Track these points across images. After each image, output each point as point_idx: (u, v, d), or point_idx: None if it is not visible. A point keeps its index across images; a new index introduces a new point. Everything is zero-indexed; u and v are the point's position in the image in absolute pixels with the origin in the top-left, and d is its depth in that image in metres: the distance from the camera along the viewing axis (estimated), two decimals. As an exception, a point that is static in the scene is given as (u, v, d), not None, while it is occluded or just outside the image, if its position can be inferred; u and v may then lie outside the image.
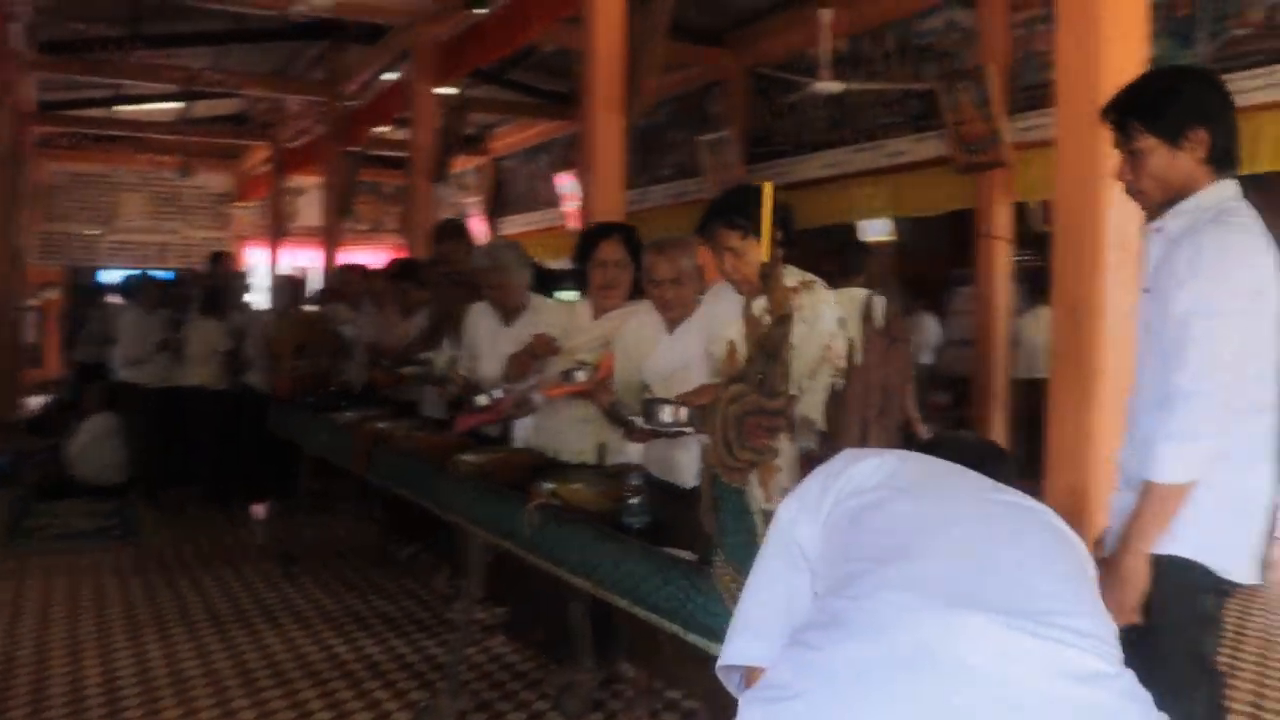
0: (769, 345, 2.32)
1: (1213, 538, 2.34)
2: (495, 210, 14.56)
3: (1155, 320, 2.41)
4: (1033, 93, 7.48)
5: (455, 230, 5.17)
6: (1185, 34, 6.46)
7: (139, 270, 9.50)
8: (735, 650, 1.73)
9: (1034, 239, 9.38)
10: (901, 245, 10.73)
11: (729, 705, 3.01)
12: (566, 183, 12.26)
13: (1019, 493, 1.74)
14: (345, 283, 6.90)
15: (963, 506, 1.61)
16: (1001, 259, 7.52)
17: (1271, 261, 2.34)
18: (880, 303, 2.56)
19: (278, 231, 14.27)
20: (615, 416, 3.40)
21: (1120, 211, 3.88)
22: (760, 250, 2.97)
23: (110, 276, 13.26)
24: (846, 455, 1.80)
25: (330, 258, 11.41)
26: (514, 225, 14.12)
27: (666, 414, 2.91)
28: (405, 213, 9.83)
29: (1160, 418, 2.29)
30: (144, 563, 5.84)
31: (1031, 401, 6.60)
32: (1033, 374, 6.91)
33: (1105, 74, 3.90)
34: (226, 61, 11.56)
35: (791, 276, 3.09)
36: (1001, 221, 7.73)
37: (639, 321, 3.62)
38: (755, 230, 2.95)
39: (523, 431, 4.23)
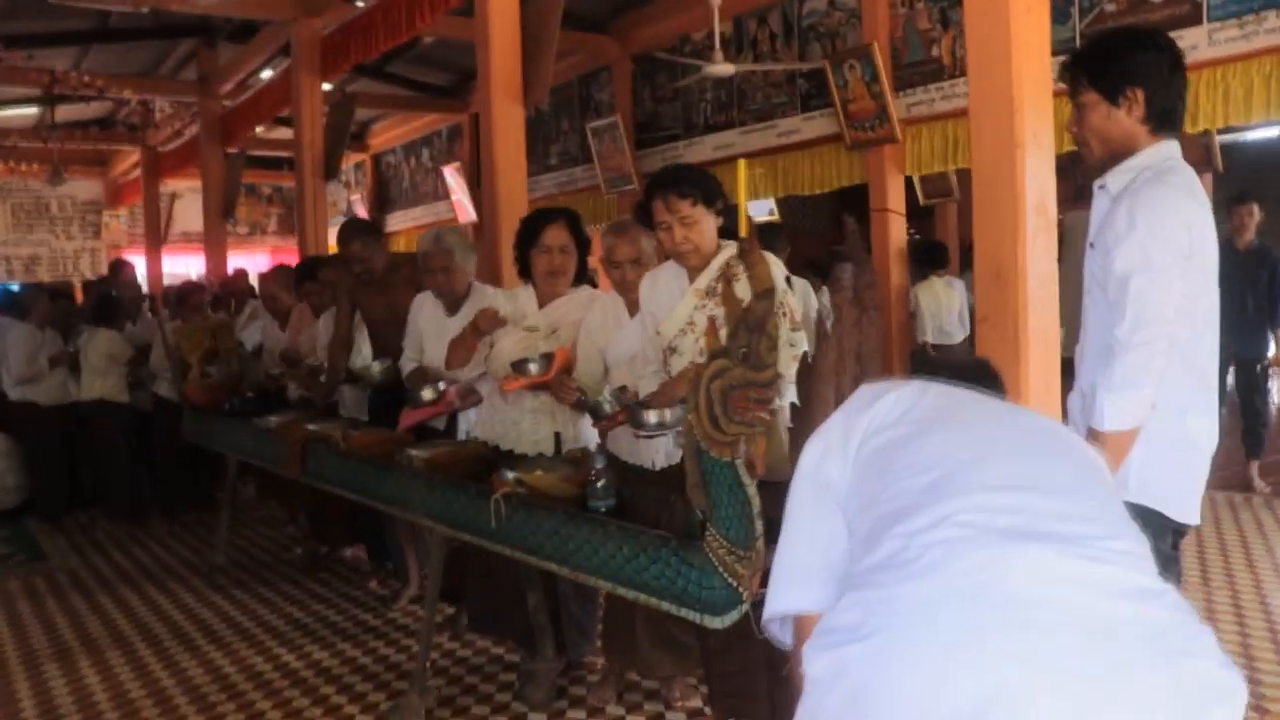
0: (752, 319, 2.35)
1: (1166, 486, 2.48)
2: (379, 207, 14.32)
3: (1099, 273, 2.54)
4: (917, 69, 7.68)
5: (363, 229, 5.02)
6: (1060, 8, 6.72)
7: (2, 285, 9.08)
8: (784, 601, 1.75)
9: (918, 212, 9.67)
10: (784, 225, 10.93)
11: (714, 679, 3.06)
12: (453, 175, 12.14)
13: (1033, 412, 1.80)
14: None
15: (992, 436, 1.65)
16: (896, 232, 7.73)
17: (1206, 221, 2.48)
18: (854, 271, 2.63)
19: (155, 238, 13.76)
20: (582, 405, 3.39)
21: (1037, 178, 4.04)
22: (712, 219, 3.05)
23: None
24: (865, 392, 1.82)
25: (214, 262, 11.06)
26: (399, 221, 13.92)
27: (653, 418, 2.92)
28: (296, 212, 9.59)
29: (1102, 369, 2.42)
30: (59, 586, 5.60)
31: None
32: (939, 340, 7.12)
33: (1016, 46, 4.06)
34: (89, 62, 11.10)
35: (731, 246, 3.16)
36: (894, 196, 7.94)
37: (602, 306, 3.62)
38: (705, 199, 3.04)
39: (468, 425, 4.20)
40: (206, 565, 5.65)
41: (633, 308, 3.50)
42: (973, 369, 1.98)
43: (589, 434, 3.60)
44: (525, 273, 3.87)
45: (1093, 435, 2.43)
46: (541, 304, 3.81)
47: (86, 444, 7.06)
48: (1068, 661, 1.29)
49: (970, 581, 1.37)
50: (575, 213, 3.87)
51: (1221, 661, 1.34)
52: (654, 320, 3.27)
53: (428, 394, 3.94)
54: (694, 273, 3.17)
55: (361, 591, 5.22)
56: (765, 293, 2.33)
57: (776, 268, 3.11)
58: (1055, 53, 4.41)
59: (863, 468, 1.68)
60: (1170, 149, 2.53)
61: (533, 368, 3.49)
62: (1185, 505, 2.51)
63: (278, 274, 6.23)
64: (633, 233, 3.46)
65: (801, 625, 1.72)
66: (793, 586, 1.74)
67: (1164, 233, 2.38)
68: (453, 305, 4.21)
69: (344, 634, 4.61)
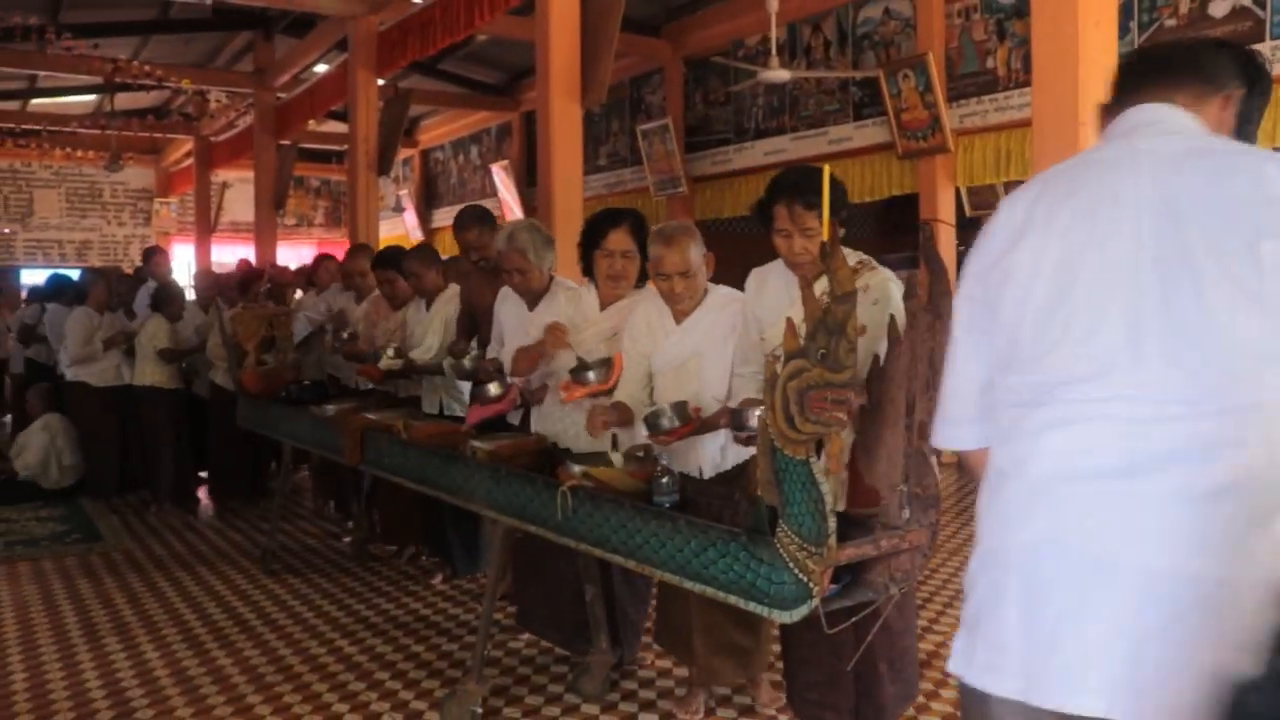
0: (832, 321, 2.39)
1: None
2: (425, 202, 14.45)
3: None
4: (971, 80, 7.69)
5: (480, 216, 4.84)
6: (1120, 23, 6.73)
7: (54, 269, 9.24)
8: (946, 438, 1.80)
9: (963, 224, 9.67)
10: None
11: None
12: (500, 174, 12.24)
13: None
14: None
15: (1129, 317, 1.48)
16: (946, 243, 7.74)
17: None
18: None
19: (205, 227, 13.97)
20: (646, 421, 3.33)
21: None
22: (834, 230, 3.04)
23: (33, 276, 12.90)
24: (999, 231, 1.70)
25: (264, 252, 11.22)
26: (445, 218, 14.03)
27: (754, 420, 2.92)
28: (348, 205, 9.71)
29: None
30: (115, 565, 5.71)
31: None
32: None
33: (1083, 59, 4.08)
34: (147, 53, 11.30)
35: (850, 256, 3.10)
36: (944, 206, 7.95)
37: (646, 310, 3.59)
38: (831, 210, 2.97)
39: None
40: (259, 550, 5.74)
41: (680, 317, 3.49)
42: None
43: (639, 439, 3.54)
44: (588, 271, 3.88)
45: None
46: (603, 305, 3.83)
47: (137, 427, 7.18)
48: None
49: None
50: (640, 215, 3.85)
51: None
52: (758, 324, 3.23)
53: (494, 389, 3.95)
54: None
55: (412, 581, 5.30)
56: (846, 296, 2.36)
57: (889, 279, 3.07)
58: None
59: (1007, 330, 1.64)
60: None
61: (591, 375, 3.51)
62: None
63: (364, 253, 6.23)
64: (682, 242, 3.40)
65: (973, 457, 1.76)
66: (953, 423, 1.77)
67: None
68: (532, 301, 4.16)
69: (396, 622, 4.68)
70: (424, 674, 4.06)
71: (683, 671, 3.91)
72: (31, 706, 3.77)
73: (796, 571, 2.47)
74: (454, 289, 5.05)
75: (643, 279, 3.86)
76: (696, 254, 3.43)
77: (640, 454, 3.47)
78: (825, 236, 2.53)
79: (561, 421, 3.86)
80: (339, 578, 5.40)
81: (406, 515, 5.39)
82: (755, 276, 3.31)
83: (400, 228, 14.50)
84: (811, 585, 2.45)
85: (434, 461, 3.93)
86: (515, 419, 4.28)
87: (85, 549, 6.08)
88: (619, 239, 3.73)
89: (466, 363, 4.40)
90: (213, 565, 5.69)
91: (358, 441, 4.51)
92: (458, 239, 4.81)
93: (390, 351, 4.92)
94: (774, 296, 3.19)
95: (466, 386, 4.85)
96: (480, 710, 3.61)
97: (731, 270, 3.58)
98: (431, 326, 5.01)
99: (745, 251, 4.39)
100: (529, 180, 11.69)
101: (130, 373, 7.16)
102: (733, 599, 2.66)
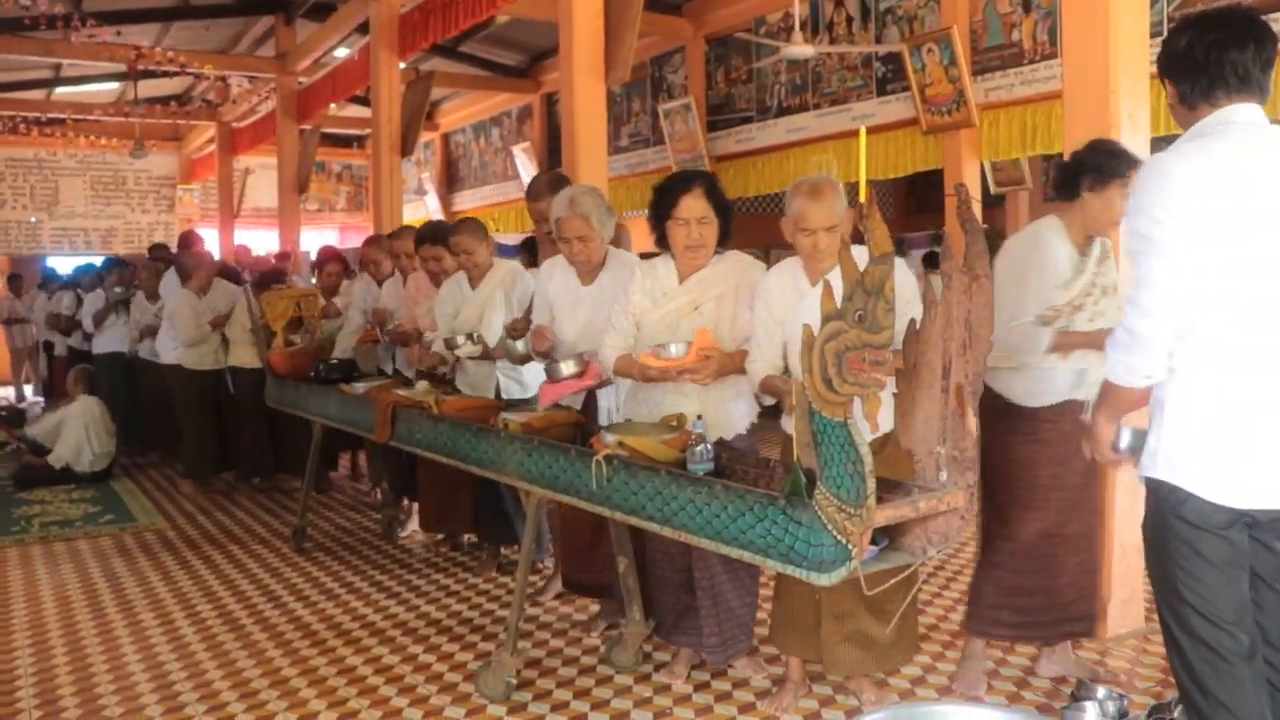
0: (870, 282, 2.38)
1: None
2: (447, 185, 14.46)
3: None
4: (996, 53, 7.62)
5: (558, 184, 4.38)
6: (1149, -10, 6.64)
7: (81, 256, 9.31)
8: None
9: (987, 201, 9.58)
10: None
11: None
12: (522, 156, 12.23)
13: None
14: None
15: None
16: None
17: (1225, 182, 2.23)
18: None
19: (227, 212, 14.04)
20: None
21: (1130, 159, 4.03)
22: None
23: (59, 264, 13.01)
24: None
25: (287, 237, 11.26)
26: (467, 200, 14.04)
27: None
28: (371, 188, 9.73)
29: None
30: (149, 546, 5.76)
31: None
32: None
33: (1115, 25, 4.04)
34: (169, 40, 11.34)
35: None
36: (969, 182, 7.89)
37: (780, 276, 3.38)
38: None
39: (607, 401, 4.03)
40: (291, 529, 5.77)
41: (815, 276, 3.25)
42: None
43: (734, 417, 3.50)
44: (662, 241, 3.59)
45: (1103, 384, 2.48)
46: (682, 277, 3.58)
47: (233, 408, 7.28)
48: None
49: None
50: (714, 176, 3.62)
51: None
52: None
53: (568, 367, 3.73)
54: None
55: (442, 559, 5.33)
56: (883, 256, 2.36)
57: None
58: (1143, 36, 4.35)
59: None
60: (1224, 115, 2.31)
61: (673, 349, 3.37)
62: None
63: (382, 240, 6.20)
64: (828, 195, 3.17)
65: None
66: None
67: (1147, 205, 2.26)
68: (589, 274, 3.91)
69: (429, 598, 4.72)
70: (457, 647, 4.08)
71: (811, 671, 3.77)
72: (73, 680, 3.81)
73: (835, 533, 2.47)
74: (505, 265, 4.83)
75: (724, 244, 3.59)
76: (842, 207, 3.22)
77: (674, 423, 3.47)
78: (863, 198, 2.53)
79: (645, 403, 3.61)
80: (371, 556, 5.44)
81: (451, 501, 5.32)
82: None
83: (423, 211, 14.51)
84: (850, 547, 2.45)
85: (465, 436, 3.94)
86: (578, 403, 4.01)
87: (119, 529, 6.15)
88: (692, 205, 3.45)
89: (520, 345, 4.22)
90: (244, 545, 5.73)
91: (388, 418, 4.51)
92: (530, 208, 4.42)
93: (471, 337, 4.58)
94: (1053, 263, 3.37)
95: (523, 367, 4.65)
96: (514, 681, 3.62)
97: (755, 249, 3.51)
98: (492, 305, 4.73)
99: (768, 230, 4.28)
100: (551, 162, 11.67)
101: (225, 356, 7.21)
102: (771, 563, 2.66)
